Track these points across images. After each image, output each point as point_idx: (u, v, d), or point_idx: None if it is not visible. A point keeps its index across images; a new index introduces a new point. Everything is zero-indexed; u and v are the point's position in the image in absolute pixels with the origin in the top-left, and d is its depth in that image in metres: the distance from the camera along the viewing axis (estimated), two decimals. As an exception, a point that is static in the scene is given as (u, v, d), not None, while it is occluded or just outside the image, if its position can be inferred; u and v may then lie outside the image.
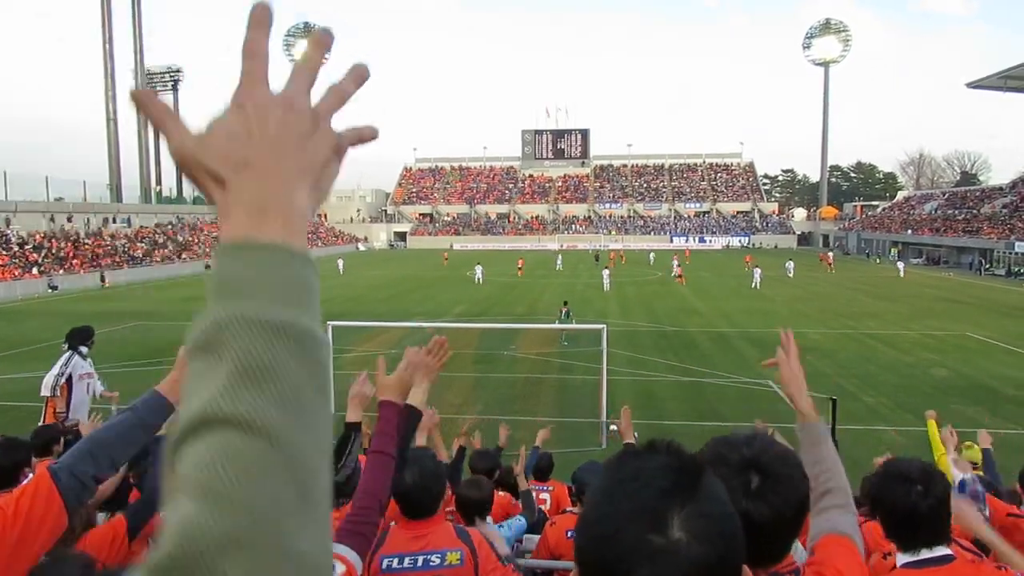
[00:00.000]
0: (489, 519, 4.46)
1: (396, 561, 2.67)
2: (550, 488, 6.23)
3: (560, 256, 59.20)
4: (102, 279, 42.65)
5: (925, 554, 2.17)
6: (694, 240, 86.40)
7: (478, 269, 42.91)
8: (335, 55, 0.63)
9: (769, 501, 1.30)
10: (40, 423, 7.67)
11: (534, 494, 6.05)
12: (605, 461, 0.97)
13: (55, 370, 8.02)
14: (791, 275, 43.70)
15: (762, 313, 28.26)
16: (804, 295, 35.01)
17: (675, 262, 47.14)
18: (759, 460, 1.34)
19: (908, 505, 2.16)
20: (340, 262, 59.16)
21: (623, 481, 0.89)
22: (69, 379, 8.03)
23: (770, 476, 1.32)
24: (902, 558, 2.22)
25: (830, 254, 55.12)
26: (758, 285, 37.49)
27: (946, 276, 47.59)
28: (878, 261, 59.25)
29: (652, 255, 50.68)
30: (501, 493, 5.42)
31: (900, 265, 50.28)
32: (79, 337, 8.32)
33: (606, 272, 38.59)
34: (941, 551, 2.18)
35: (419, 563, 2.67)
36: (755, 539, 1.26)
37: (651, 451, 0.92)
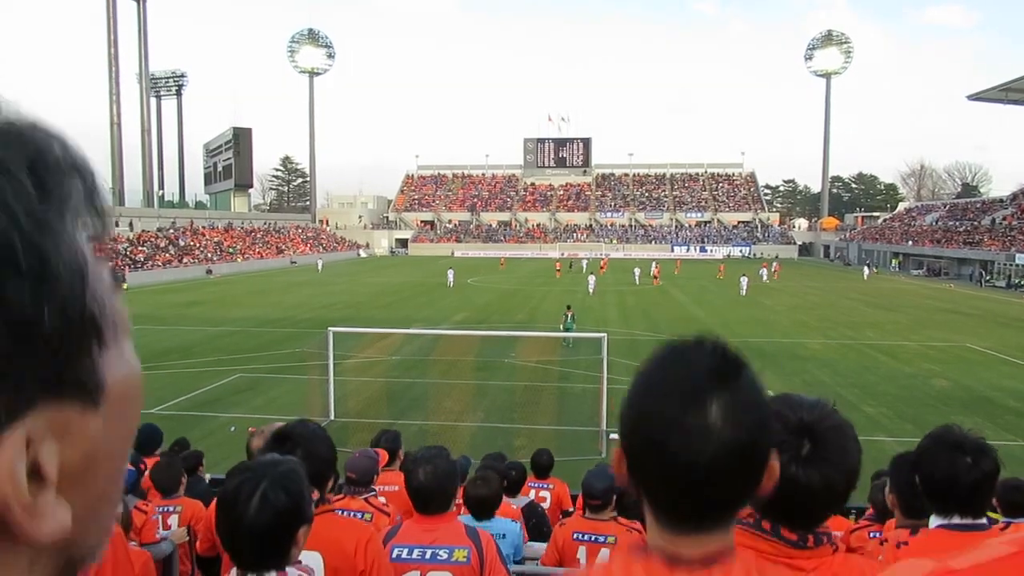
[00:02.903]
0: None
1: (406, 552, 2.78)
2: (550, 486, 6.15)
3: (584, 261, 61.85)
4: None
5: (958, 520, 2.18)
6: (695, 249, 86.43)
7: (450, 273, 44.50)
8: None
9: (817, 468, 1.32)
10: None
11: (533, 491, 6.01)
12: (655, 348, 1.01)
13: None
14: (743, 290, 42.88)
15: (762, 323, 28.25)
16: (804, 304, 35.02)
17: (639, 270, 49.57)
18: (815, 427, 1.34)
19: (952, 475, 2.14)
20: (319, 262, 60.80)
21: (668, 365, 0.97)
22: None
23: (822, 444, 1.33)
24: (935, 520, 2.23)
25: (774, 263, 55.14)
26: (745, 291, 39.00)
27: (947, 287, 47.58)
28: (875, 271, 59.57)
29: (648, 266, 51.53)
30: (510, 501, 5.41)
31: (865, 269, 55.77)
32: None
33: (592, 278, 41.01)
34: (976, 520, 2.19)
35: (427, 556, 2.78)
36: (798, 502, 1.30)
37: (698, 343, 0.99)
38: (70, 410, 0.41)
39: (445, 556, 2.77)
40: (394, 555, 2.77)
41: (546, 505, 5.94)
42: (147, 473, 5.39)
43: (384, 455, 4.71)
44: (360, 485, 3.79)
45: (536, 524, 5.17)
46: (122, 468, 0.48)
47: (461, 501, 3.88)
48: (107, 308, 0.43)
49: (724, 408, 0.91)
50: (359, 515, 3.63)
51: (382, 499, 3.99)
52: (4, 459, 0.38)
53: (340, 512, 3.45)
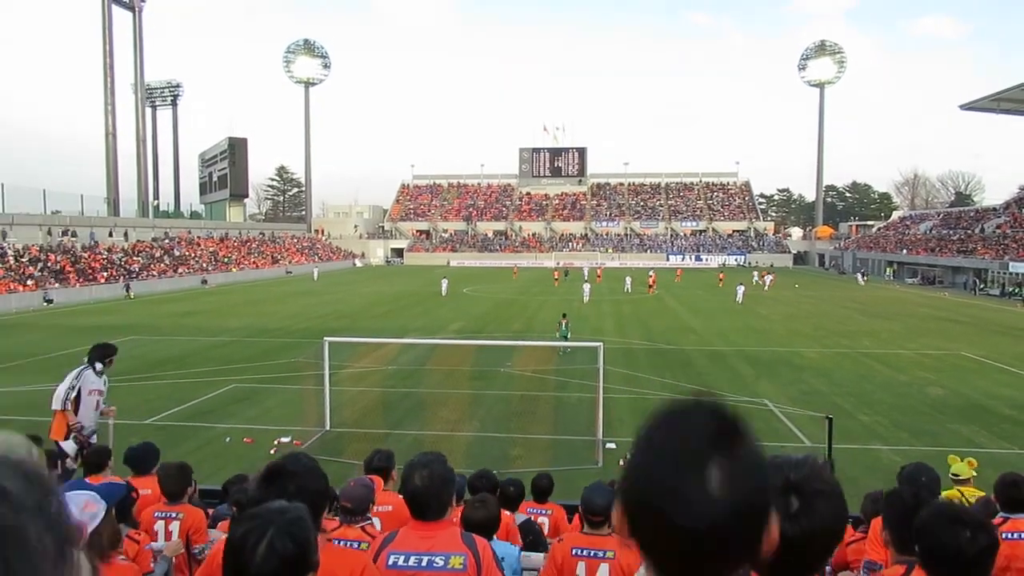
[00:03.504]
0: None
1: (402, 559, 2.77)
2: (549, 511, 6.01)
3: (584, 269, 62.94)
4: (127, 289, 45.76)
5: None
6: (690, 258, 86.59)
7: (443, 283, 45.16)
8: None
9: (805, 523, 1.34)
10: (49, 435, 7.80)
11: (531, 517, 5.95)
12: (653, 410, 1.02)
13: (66, 383, 8.11)
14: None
15: (757, 331, 28.29)
16: (799, 313, 35.09)
17: (630, 278, 50.33)
18: (802, 485, 1.36)
19: (955, 548, 2.23)
20: (315, 272, 61.25)
21: (668, 427, 0.97)
22: (79, 393, 8.12)
23: (809, 501, 1.35)
24: None
25: (767, 274, 55.40)
26: (740, 299, 39.75)
27: (941, 296, 47.74)
28: (867, 279, 60.09)
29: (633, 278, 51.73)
30: (506, 513, 5.38)
31: (859, 276, 60.54)
32: (97, 353, 8.48)
33: (587, 287, 41.81)
34: None
35: (423, 563, 2.77)
36: (788, 556, 1.32)
37: (697, 405, 0.99)
38: None
39: (441, 563, 2.75)
40: (390, 562, 2.76)
41: (544, 531, 5.87)
42: (143, 494, 5.34)
43: (379, 482, 4.74)
44: (356, 514, 3.79)
45: (532, 542, 5.15)
46: None
47: (458, 519, 3.85)
48: None
49: (724, 473, 0.91)
50: (355, 544, 3.63)
51: (378, 525, 3.99)
52: None
53: (336, 543, 3.46)
